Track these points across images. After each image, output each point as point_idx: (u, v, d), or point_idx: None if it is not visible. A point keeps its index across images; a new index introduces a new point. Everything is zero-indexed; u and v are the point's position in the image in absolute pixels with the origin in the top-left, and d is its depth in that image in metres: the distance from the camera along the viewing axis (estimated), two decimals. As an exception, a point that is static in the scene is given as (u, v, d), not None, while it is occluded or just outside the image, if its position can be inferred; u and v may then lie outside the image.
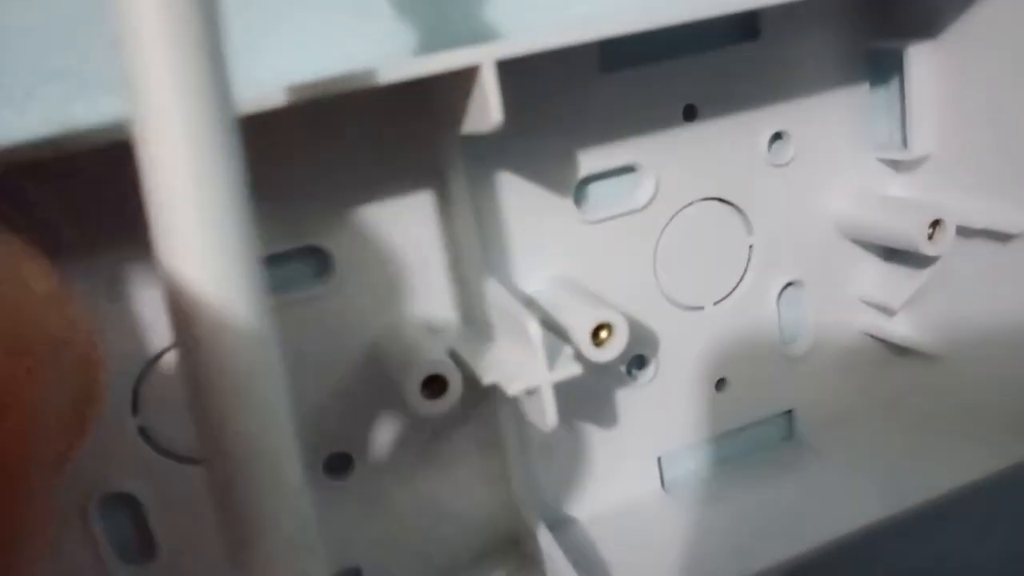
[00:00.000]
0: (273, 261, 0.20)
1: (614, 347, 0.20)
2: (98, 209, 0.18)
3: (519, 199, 0.22)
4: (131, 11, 0.11)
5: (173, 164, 0.11)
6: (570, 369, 0.19)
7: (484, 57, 0.16)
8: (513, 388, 0.19)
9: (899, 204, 0.24)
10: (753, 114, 0.23)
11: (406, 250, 0.21)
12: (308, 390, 0.21)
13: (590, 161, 0.22)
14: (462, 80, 0.17)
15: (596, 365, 0.20)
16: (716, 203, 0.24)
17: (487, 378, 0.19)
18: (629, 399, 0.24)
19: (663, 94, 0.22)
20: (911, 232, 0.22)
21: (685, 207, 0.23)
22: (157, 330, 0.20)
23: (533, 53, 0.17)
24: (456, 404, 0.19)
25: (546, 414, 0.19)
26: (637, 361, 0.24)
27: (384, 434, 0.22)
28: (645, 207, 0.23)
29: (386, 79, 0.16)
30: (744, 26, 0.23)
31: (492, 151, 0.21)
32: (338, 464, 0.22)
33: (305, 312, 0.21)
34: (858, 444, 0.25)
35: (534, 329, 0.18)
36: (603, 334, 0.20)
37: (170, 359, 0.20)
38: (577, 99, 0.21)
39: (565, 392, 0.19)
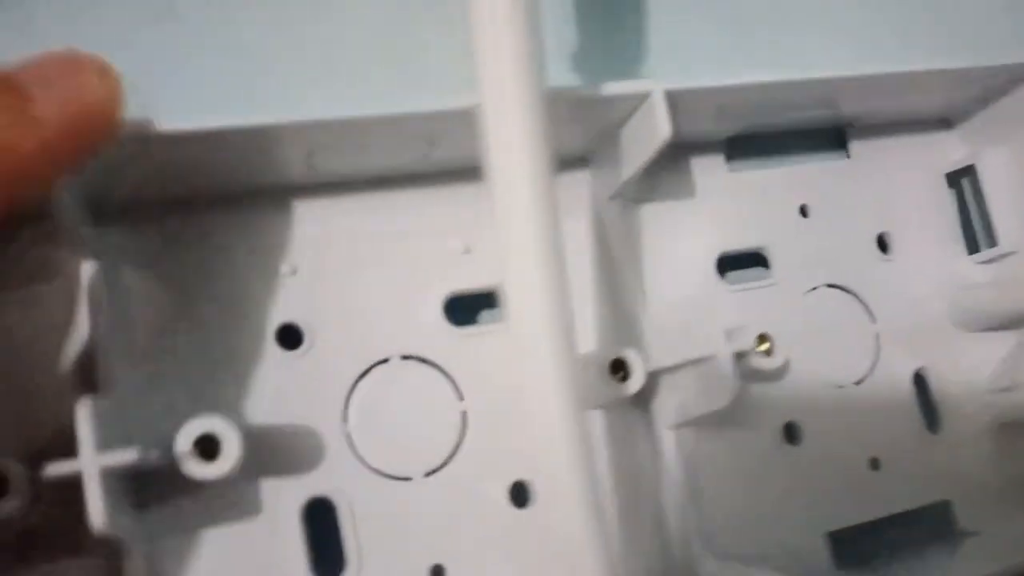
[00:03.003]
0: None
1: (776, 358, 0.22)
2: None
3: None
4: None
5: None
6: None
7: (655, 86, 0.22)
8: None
9: (1000, 289, 0.27)
10: (857, 213, 0.28)
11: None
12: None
13: (726, 240, 0.26)
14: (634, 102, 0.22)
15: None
16: (837, 291, 0.27)
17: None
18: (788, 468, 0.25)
19: (780, 191, 0.27)
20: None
21: (809, 291, 0.27)
22: (372, 343, 0.23)
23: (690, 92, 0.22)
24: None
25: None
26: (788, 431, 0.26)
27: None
28: (774, 284, 0.26)
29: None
30: (838, 140, 0.28)
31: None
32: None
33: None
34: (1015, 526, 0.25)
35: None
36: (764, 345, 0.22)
37: (381, 371, 0.22)
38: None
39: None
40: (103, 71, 0.16)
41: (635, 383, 0.21)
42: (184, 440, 0.18)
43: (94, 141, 0.16)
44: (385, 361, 0.23)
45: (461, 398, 0.23)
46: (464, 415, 0.23)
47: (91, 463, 0.16)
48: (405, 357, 0.23)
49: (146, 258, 0.21)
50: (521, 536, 0.22)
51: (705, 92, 0.23)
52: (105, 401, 0.17)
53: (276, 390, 0.22)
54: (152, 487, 0.20)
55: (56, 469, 0.16)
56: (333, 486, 0.21)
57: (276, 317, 0.22)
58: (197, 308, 0.21)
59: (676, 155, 0.26)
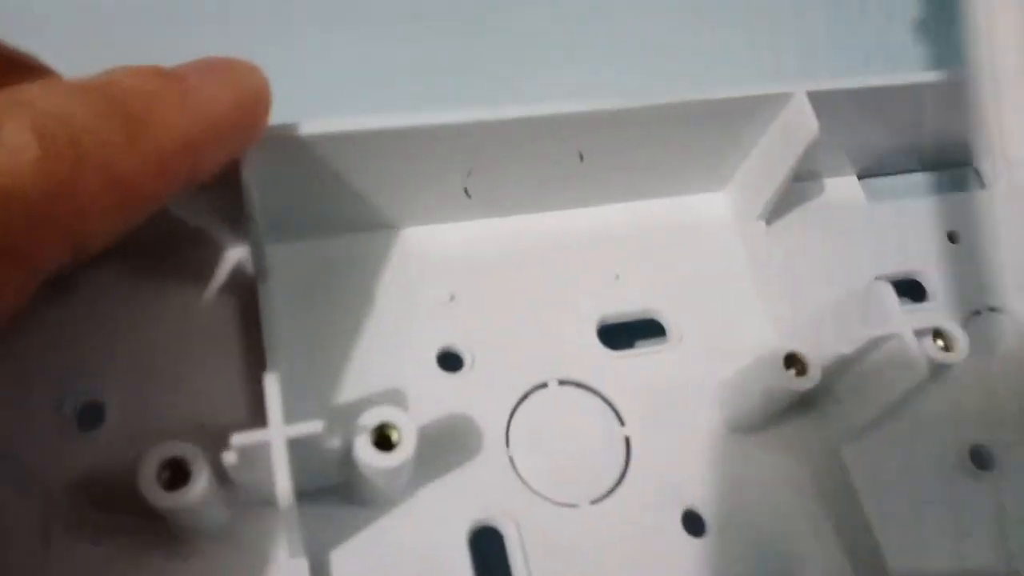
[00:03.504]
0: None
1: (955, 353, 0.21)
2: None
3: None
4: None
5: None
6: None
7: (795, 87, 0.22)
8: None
9: None
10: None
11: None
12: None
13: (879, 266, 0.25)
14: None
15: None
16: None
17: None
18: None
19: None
20: None
21: (972, 315, 0.26)
22: (530, 367, 0.22)
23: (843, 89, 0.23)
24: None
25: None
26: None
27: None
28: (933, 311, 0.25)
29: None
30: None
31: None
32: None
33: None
34: None
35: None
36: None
37: (540, 396, 0.22)
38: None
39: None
40: (252, 66, 0.17)
41: (812, 375, 0.20)
42: (365, 424, 0.17)
43: (252, 126, 0.17)
44: (543, 386, 0.22)
45: (623, 423, 0.22)
46: (628, 441, 0.22)
47: (279, 433, 0.16)
48: (563, 382, 0.22)
49: (308, 277, 0.22)
50: (697, 567, 0.21)
51: (847, 95, 0.23)
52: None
53: (437, 412, 0.21)
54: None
55: (243, 439, 0.16)
56: (499, 510, 0.20)
57: (437, 341, 0.22)
58: (359, 329, 0.22)
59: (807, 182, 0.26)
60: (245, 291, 0.21)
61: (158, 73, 0.15)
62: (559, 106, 0.21)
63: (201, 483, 0.16)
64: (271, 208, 0.20)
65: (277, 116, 0.18)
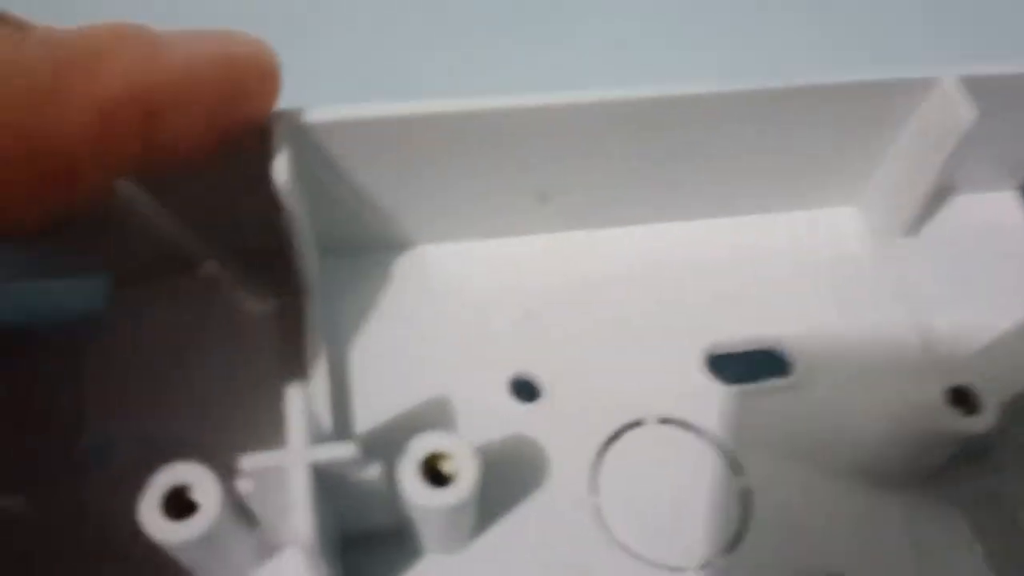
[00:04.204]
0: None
1: None
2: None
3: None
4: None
5: None
6: None
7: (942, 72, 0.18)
8: None
9: None
10: None
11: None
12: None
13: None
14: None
15: None
16: None
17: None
18: None
19: None
20: None
21: None
22: (622, 401, 0.18)
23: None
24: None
25: None
26: None
27: None
28: None
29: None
30: None
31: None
32: None
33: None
34: None
35: None
36: None
37: (634, 436, 0.18)
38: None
39: None
40: (253, 37, 0.15)
41: (986, 416, 0.16)
42: (412, 452, 0.14)
43: (243, 95, 0.15)
44: (639, 424, 0.18)
45: (739, 472, 0.18)
46: (746, 494, 0.18)
47: (300, 456, 0.13)
48: (664, 420, 0.18)
49: (368, 291, 0.19)
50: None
51: (1010, 82, 0.19)
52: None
53: (508, 447, 0.18)
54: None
55: (257, 462, 0.13)
56: (582, 569, 0.17)
57: (510, 366, 0.19)
58: (420, 352, 0.19)
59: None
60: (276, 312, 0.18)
61: (125, 26, 0.13)
62: (657, 89, 0.18)
63: (211, 511, 0.13)
64: (318, 214, 0.18)
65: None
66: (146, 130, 0.13)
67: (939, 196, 0.21)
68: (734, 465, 0.18)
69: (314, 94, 0.17)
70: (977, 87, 0.18)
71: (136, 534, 0.13)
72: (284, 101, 0.16)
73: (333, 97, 0.17)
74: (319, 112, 0.17)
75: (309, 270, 0.18)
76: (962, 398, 0.16)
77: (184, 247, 0.18)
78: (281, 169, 0.16)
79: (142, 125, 0.13)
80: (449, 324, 0.19)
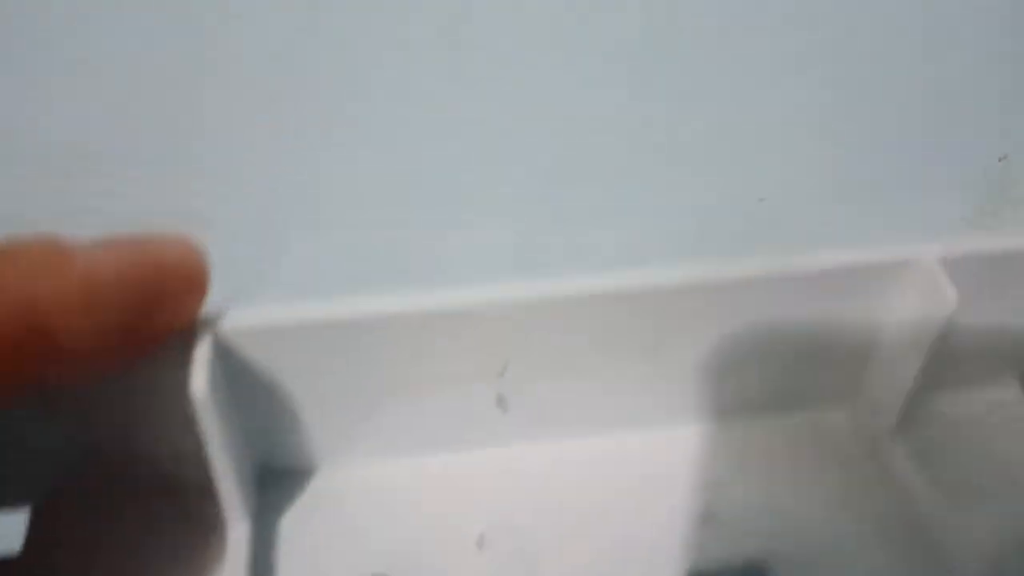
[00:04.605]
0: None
1: None
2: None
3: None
4: None
5: None
6: None
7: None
8: None
9: None
10: None
11: None
12: None
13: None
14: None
15: None
16: None
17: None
18: None
19: None
20: None
21: None
22: None
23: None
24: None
25: None
26: None
27: None
28: None
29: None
30: None
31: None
32: None
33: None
34: None
35: None
36: None
37: None
38: None
39: None
40: (183, 238, 0.15)
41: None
42: None
43: (163, 297, 0.14)
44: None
45: None
46: None
47: None
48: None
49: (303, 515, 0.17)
50: None
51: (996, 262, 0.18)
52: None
53: None
54: None
55: None
56: None
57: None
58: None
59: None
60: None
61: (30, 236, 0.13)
62: (619, 278, 0.17)
63: None
64: (249, 429, 0.16)
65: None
66: (40, 340, 0.12)
67: (935, 389, 0.20)
68: None
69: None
70: (958, 267, 0.17)
71: None
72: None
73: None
74: (247, 315, 0.16)
75: (237, 493, 0.16)
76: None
77: (104, 465, 0.17)
78: (199, 379, 0.14)
79: (33, 335, 0.12)
80: (393, 553, 0.17)
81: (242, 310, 0.16)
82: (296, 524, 0.17)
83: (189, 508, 0.16)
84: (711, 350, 0.18)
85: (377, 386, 0.17)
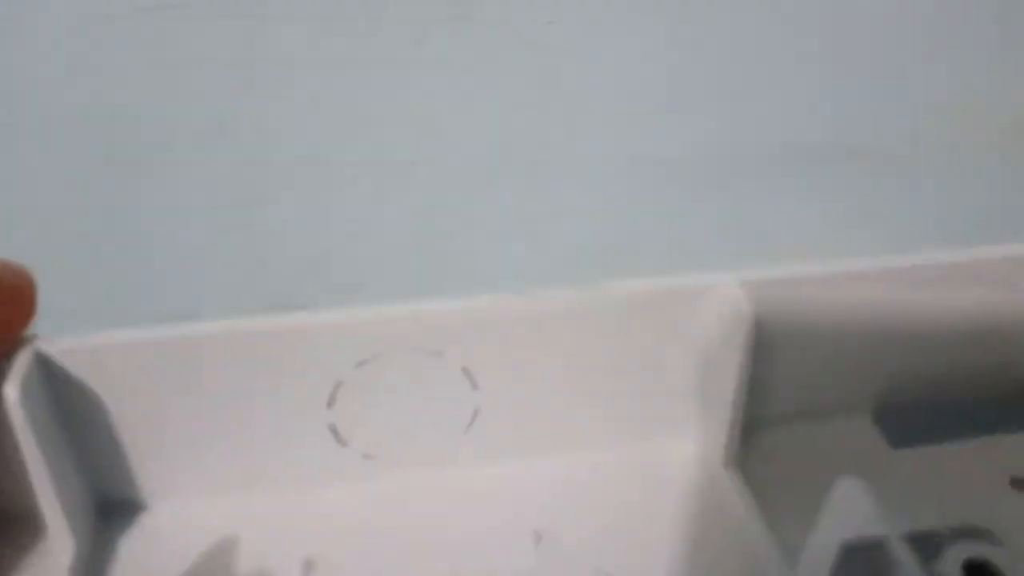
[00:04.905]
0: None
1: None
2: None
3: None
4: None
5: None
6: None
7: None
8: None
9: None
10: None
11: None
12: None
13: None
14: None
15: None
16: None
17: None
18: None
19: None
20: None
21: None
22: None
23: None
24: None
25: None
26: None
27: None
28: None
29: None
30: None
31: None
32: None
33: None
34: None
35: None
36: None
37: None
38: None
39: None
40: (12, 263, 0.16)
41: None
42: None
43: None
44: None
45: None
46: None
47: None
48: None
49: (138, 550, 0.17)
50: None
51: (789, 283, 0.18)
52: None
53: None
54: None
55: None
56: None
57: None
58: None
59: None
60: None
61: None
62: (425, 304, 0.17)
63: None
64: (79, 457, 0.17)
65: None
66: None
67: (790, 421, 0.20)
68: None
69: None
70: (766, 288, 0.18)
71: None
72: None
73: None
74: (74, 336, 0.16)
75: (62, 517, 0.16)
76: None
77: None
78: (12, 387, 0.15)
79: None
80: None
81: (70, 333, 0.16)
82: (127, 558, 0.17)
83: (11, 533, 0.17)
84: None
85: (207, 414, 0.18)
